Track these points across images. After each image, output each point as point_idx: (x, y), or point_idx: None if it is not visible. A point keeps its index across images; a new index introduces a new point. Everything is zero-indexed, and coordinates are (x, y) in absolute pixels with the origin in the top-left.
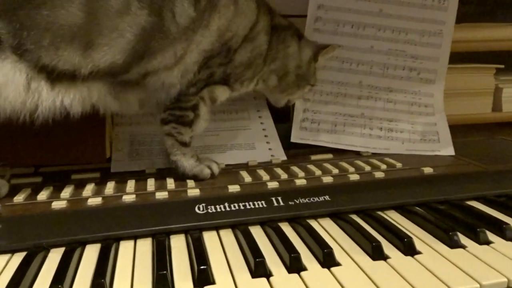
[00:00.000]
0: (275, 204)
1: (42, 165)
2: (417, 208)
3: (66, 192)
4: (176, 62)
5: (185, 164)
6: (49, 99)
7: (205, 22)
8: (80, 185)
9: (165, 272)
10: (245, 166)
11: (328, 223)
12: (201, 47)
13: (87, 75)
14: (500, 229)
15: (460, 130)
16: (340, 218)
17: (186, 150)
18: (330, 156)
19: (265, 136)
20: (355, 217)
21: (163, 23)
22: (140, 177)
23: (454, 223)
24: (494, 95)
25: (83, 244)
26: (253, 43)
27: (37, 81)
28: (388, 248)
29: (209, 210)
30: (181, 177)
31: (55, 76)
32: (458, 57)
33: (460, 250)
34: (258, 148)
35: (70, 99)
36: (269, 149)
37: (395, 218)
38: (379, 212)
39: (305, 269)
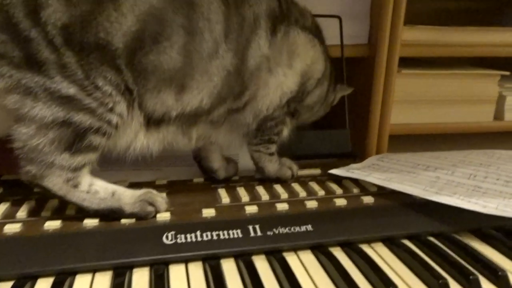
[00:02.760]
0: (252, 234)
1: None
2: (407, 242)
3: (24, 211)
4: (247, 103)
5: (270, 169)
6: (143, 141)
7: (286, 62)
8: (41, 200)
9: None
10: (226, 182)
11: (308, 258)
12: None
13: (172, 119)
14: (495, 275)
15: (458, 139)
16: (321, 252)
17: (272, 158)
18: (318, 171)
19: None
20: (338, 252)
21: (244, 64)
22: None
23: (446, 264)
24: (497, 103)
25: (34, 278)
26: (321, 87)
27: (141, 125)
28: None
29: (178, 240)
30: (266, 179)
31: (152, 121)
32: (461, 62)
33: None
34: (242, 159)
35: (153, 141)
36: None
37: (382, 254)
38: (365, 246)
39: None
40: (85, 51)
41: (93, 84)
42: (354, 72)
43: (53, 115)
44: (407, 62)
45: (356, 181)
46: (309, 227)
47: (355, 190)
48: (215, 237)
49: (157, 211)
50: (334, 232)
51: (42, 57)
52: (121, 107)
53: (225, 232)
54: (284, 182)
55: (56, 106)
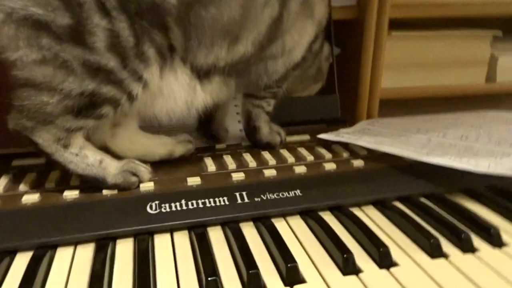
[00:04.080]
0: (239, 200)
1: None
2: (398, 204)
3: (1, 186)
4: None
5: (264, 131)
6: (200, 96)
7: (309, 12)
8: (19, 174)
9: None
10: (211, 150)
11: (297, 223)
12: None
13: (221, 69)
14: (488, 233)
15: (450, 103)
16: (310, 216)
17: (267, 118)
18: (307, 137)
19: (237, 113)
20: (327, 216)
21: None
22: None
23: (438, 224)
24: (489, 64)
25: (12, 253)
26: (322, 35)
27: (193, 80)
28: (361, 259)
29: (163, 209)
30: (256, 144)
31: (202, 73)
32: (451, 23)
33: (442, 260)
34: (229, 129)
35: (209, 92)
36: (240, 130)
37: (372, 216)
38: (355, 209)
39: (264, 287)
40: (140, 12)
41: (140, 51)
42: (342, 36)
43: (82, 88)
44: (397, 24)
45: (346, 146)
46: (298, 192)
47: (345, 154)
48: (200, 205)
49: (140, 181)
50: (324, 196)
51: (91, 24)
52: (152, 72)
53: (211, 200)
54: (272, 149)
55: (89, 79)
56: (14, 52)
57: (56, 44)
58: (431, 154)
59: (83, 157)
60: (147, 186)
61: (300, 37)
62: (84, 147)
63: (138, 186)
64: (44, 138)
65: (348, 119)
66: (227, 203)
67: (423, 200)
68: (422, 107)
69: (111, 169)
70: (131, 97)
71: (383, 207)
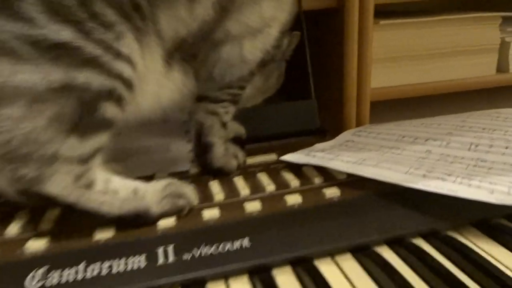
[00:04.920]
0: (161, 260)
1: None
2: (384, 251)
3: None
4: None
5: (217, 149)
6: (169, 85)
7: None
8: None
9: None
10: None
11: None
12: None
13: (181, 44)
14: None
15: (456, 100)
16: (261, 279)
17: (223, 133)
18: (273, 157)
19: (187, 131)
20: (285, 275)
21: None
22: None
23: (436, 279)
24: (500, 51)
25: None
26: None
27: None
28: None
29: (49, 280)
30: (205, 168)
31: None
32: (454, 5)
33: None
34: (175, 150)
35: (172, 83)
36: (190, 151)
37: (348, 272)
38: (325, 262)
39: None
40: None
41: (92, 13)
42: (319, 30)
43: (46, 78)
44: (384, 12)
45: (320, 167)
46: (246, 242)
47: (317, 180)
48: (104, 271)
49: (190, 204)
50: (282, 245)
51: None
52: (129, 43)
53: (121, 261)
54: (226, 175)
55: (48, 64)
56: None
57: None
58: (429, 177)
59: (114, 192)
60: (36, 244)
61: (270, 20)
62: (110, 180)
63: (25, 244)
64: (60, 184)
65: (327, 129)
66: (143, 264)
67: (418, 241)
68: (423, 107)
69: (150, 196)
70: (126, 82)
71: (364, 255)
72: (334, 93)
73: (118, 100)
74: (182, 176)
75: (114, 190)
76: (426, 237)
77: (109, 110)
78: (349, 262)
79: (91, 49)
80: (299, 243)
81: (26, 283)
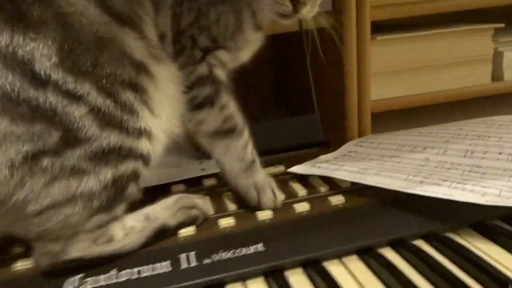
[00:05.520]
0: (185, 265)
1: None
2: (387, 252)
3: None
4: None
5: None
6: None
7: None
8: None
9: None
10: (164, 194)
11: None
12: None
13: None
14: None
15: (454, 108)
16: (276, 280)
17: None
18: (281, 169)
19: (196, 149)
20: (297, 275)
21: None
22: None
23: (436, 278)
24: (493, 61)
25: None
26: None
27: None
28: None
29: (88, 286)
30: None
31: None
32: (448, 19)
33: None
34: (185, 164)
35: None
36: (200, 163)
37: (355, 271)
38: (334, 263)
39: None
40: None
41: (122, 103)
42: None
43: (102, 180)
44: (381, 27)
45: (325, 177)
46: (260, 247)
47: (323, 189)
48: (134, 276)
49: (204, 213)
50: (293, 249)
51: (73, 120)
52: (145, 115)
53: (150, 266)
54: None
55: (103, 168)
56: (21, 190)
57: (57, 158)
58: (426, 183)
59: (131, 230)
60: None
61: None
62: (125, 221)
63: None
64: (82, 250)
65: (330, 142)
66: (169, 269)
67: (419, 243)
68: (421, 117)
69: (162, 214)
70: (145, 159)
71: (369, 256)
72: (336, 106)
73: (137, 178)
74: (198, 188)
75: (131, 227)
76: (426, 239)
77: (131, 188)
78: (355, 263)
79: (129, 143)
80: (308, 246)
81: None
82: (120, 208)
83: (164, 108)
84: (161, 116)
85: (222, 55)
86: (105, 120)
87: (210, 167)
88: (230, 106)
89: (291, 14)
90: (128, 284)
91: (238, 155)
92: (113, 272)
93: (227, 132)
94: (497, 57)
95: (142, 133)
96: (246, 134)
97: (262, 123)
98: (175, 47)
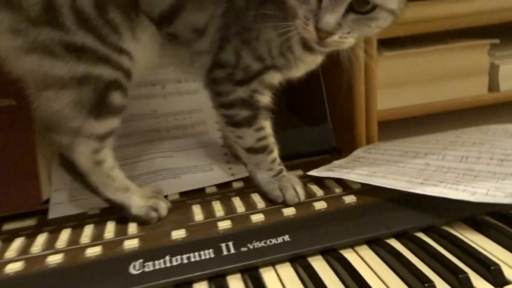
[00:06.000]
0: (225, 252)
1: None
2: (393, 242)
3: None
4: None
5: (259, 176)
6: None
7: None
8: (8, 240)
9: None
10: (202, 195)
11: (286, 271)
12: None
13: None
14: (488, 270)
15: (454, 117)
16: (300, 264)
17: (252, 159)
18: (299, 173)
19: (225, 154)
20: (318, 261)
21: None
22: (79, 222)
23: (435, 262)
24: (490, 73)
25: None
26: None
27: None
28: None
29: (146, 269)
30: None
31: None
32: (447, 35)
33: None
34: (217, 169)
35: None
36: (229, 168)
37: (365, 257)
38: (347, 251)
39: None
40: None
41: (106, 19)
42: (329, 62)
43: (71, 72)
44: (387, 44)
45: (338, 179)
46: (286, 238)
47: (337, 190)
48: (185, 261)
49: (159, 217)
50: (314, 239)
51: (58, 5)
52: (127, 40)
53: (196, 253)
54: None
55: (74, 61)
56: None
57: (33, 28)
58: (425, 184)
59: (112, 179)
60: (132, 243)
61: None
62: (114, 168)
63: (122, 244)
64: (81, 152)
65: (342, 149)
66: (212, 255)
67: (419, 235)
68: (424, 124)
69: (136, 199)
70: (126, 73)
71: (377, 245)
72: (346, 116)
73: (122, 89)
74: (228, 190)
75: (113, 178)
76: (425, 231)
77: (116, 98)
78: (365, 251)
79: (104, 50)
80: (326, 237)
81: (130, 270)
82: (110, 120)
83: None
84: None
85: (272, 76)
86: (84, 22)
87: (238, 172)
88: (266, 128)
89: (319, 43)
90: (180, 268)
91: (267, 167)
92: (167, 258)
93: (259, 150)
94: (493, 70)
95: (122, 51)
96: (275, 151)
97: (282, 133)
98: (216, 56)
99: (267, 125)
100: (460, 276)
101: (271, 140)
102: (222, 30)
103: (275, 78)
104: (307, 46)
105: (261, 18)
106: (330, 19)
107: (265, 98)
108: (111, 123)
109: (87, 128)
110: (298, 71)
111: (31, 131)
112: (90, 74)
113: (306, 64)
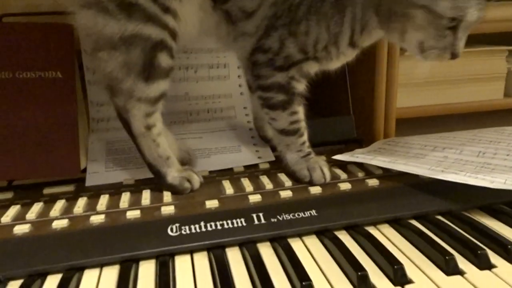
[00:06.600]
0: (256, 222)
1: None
2: (414, 222)
3: (33, 213)
4: None
5: (288, 157)
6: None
7: None
8: (50, 201)
9: None
10: (230, 173)
11: (313, 242)
12: None
13: None
14: (505, 249)
15: (469, 119)
16: (326, 236)
17: (286, 139)
18: (324, 158)
19: (252, 137)
20: (343, 235)
21: None
22: (115, 190)
23: (454, 241)
24: (507, 79)
25: (43, 275)
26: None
27: None
28: (376, 276)
29: (183, 232)
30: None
31: None
32: (468, 40)
33: (458, 277)
34: (244, 151)
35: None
36: (256, 151)
37: (388, 235)
38: (371, 228)
39: None
40: None
41: None
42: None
43: (121, 30)
44: None
45: (361, 166)
46: (313, 212)
47: (360, 174)
48: (219, 227)
49: (192, 189)
50: (339, 215)
51: None
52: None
53: (229, 221)
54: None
55: (124, 19)
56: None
57: None
58: (446, 172)
59: (156, 146)
60: (168, 209)
61: None
62: (160, 134)
63: (159, 209)
64: (135, 115)
65: (363, 139)
66: (244, 224)
67: (439, 218)
68: (441, 125)
69: (173, 169)
70: (172, 33)
71: (399, 225)
72: (366, 110)
73: (169, 50)
74: (253, 171)
75: (158, 144)
76: (444, 215)
77: (163, 59)
78: (388, 229)
79: (154, 9)
80: (351, 214)
81: (168, 232)
82: (159, 83)
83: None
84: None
85: (310, 66)
86: None
87: (265, 156)
88: (299, 113)
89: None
90: (214, 233)
91: (297, 149)
92: (202, 223)
93: (291, 132)
94: (510, 76)
95: (168, 9)
96: (305, 135)
97: (306, 121)
98: (259, 41)
99: (300, 110)
100: (479, 252)
101: (303, 124)
102: (270, 18)
103: (313, 68)
104: (352, 43)
105: (314, 15)
106: (462, 46)
107: (301, 86)
108: (161, 85)
109: (139, 91)
110: (337, 63)
111: (74, 103)
112: (139, 33)
113: (346, 57)
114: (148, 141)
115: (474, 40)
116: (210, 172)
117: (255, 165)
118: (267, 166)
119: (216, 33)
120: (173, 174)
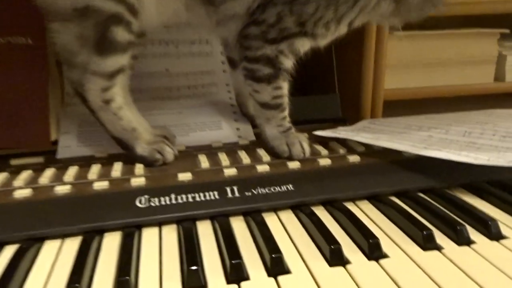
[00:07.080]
0: (230, 195)
1: None
2: (394, 199)
3: None
4: None
5: (267, 131)
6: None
7: None
8: (15, 172)
9: (77, 285)
10: (208, 148)
11: (288, 217)
12: None
13: None
14: (485, 225)
15: (457, 101)
16: (302, 211)
17: (264, 114)
18: (305, 135)
19: (234, 112)
20: (319, 210)
21: None
22: (86, 162)
23: (433, 217)
24: (497, 63)
25: (1, 245)
26: None
27: None
28: (350, 251)
29: (152, 204)
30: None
31: None
32: (457, 21)
33: (435, 252)
34: (225, 128)
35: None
36: (237, 128)
37: (366, 210)
38: (349, 204)
39: (247, 278)
40: None
41: None
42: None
43: (74, 1)
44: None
45: (343, 143)
46: (290, 187)
47: (341, 151)
48: (190, 200)
49: (164, 161)
50: (316, 190)
51: None
52: None
53: (201, 194)
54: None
55: None
56: None
57: None
58: (429, 148)
59: (119, 119)
60: (138, 181)
61: None
62: (122, 108)
63: (129, 181)
64: (90, 90)
65: (348, 119)
66: (217, 197)
67: (420, 195)
68: (429, 107)
69: (141, 141)
70: (131, 8)
71: (378, 201)
72: (353, 90)
73: (126, 24)
74: (232, 146)
75: (120, 117)
76: (426, 192)
77: (120, 33)
78: (366, 205)
79: None
80: (329, 190)
81: (137, 203)
82: (116, 58)
83: None
84: None
85: (301, 43)
86: None
87: (245, 135)
88: (283, 88)
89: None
90: (185, 205)
91: (277, 123)
92: (172, 195)
93: (273, 106)
94: (501, 60)
95: None
96: (287, 110)
97: (290, 98)
98: (254, 14)
99: (284, 86)
100: (458, 227)
101: (286, 100)
102: None
103: (305, 45)
104: (351, 23)
105: None
106: None
107: (288, 63)
108: (117, 60)
109: (93, 64)
110: (328, 40)
111: (45, 71)
112: (92, 5)
113: (339, 34)
114: (108, 115)
115: (466, 22)
116: (188, 147)
117: (235, 142)
118: (247, 142)
119: (189, 16)
120: (142, 145)
